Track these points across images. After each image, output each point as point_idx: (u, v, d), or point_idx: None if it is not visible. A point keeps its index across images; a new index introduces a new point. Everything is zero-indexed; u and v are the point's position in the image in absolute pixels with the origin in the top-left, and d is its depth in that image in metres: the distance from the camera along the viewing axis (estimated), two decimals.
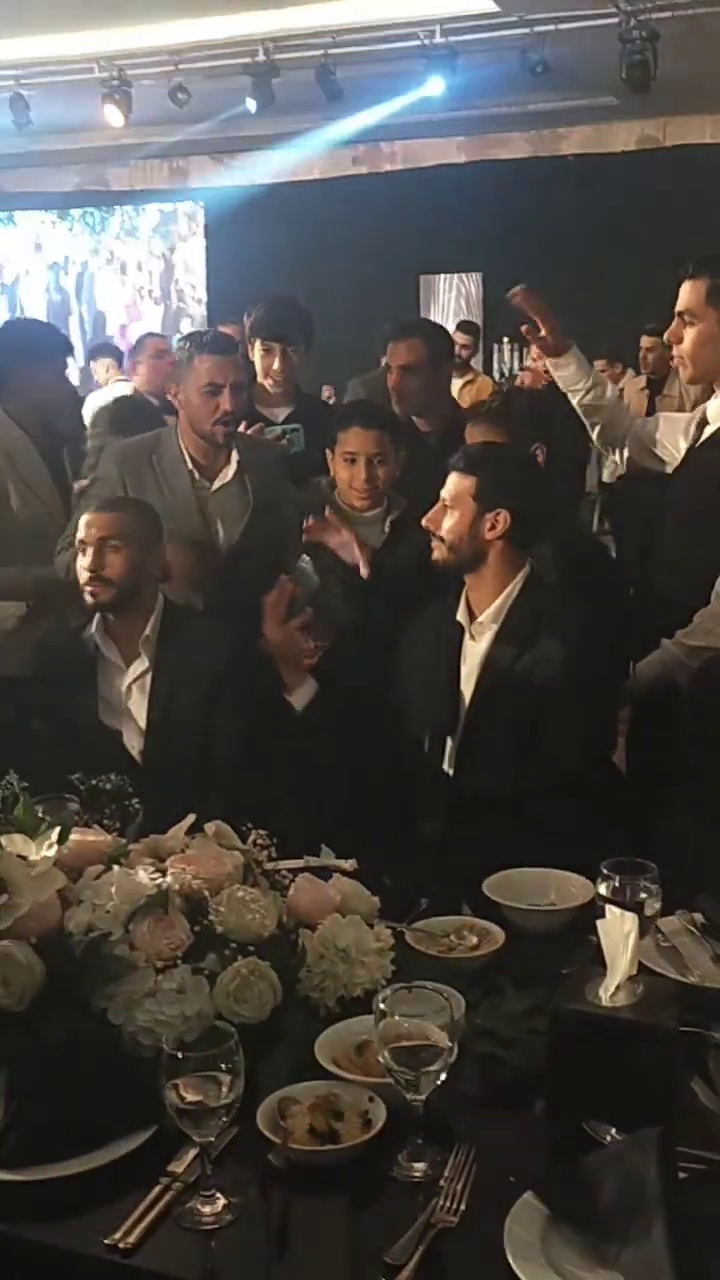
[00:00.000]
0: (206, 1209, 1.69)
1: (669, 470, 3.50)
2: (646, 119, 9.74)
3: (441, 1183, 1.73)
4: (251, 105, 8.21)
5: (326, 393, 7.37)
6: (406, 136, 10.49)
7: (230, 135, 10.23)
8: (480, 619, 3.06)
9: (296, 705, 3.20)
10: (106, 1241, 1.65)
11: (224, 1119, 1.69)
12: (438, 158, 10.60)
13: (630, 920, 1.86)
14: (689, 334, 3.31)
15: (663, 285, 3.49)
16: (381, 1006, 1.78)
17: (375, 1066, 1.86)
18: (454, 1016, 1.79)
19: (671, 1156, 1.60)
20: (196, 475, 3.69)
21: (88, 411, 6.66)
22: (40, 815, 2.17)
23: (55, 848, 2.08)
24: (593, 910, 2.06)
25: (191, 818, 2.31)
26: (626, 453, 3.63)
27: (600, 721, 3.04)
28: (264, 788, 3.08)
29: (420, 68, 7.76)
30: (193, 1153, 1.77)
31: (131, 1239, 1.65)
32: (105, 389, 8.32)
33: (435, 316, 10.25)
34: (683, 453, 3.45)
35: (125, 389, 7.26)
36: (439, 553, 3.09)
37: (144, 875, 2.10)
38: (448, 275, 11.01)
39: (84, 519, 3.27)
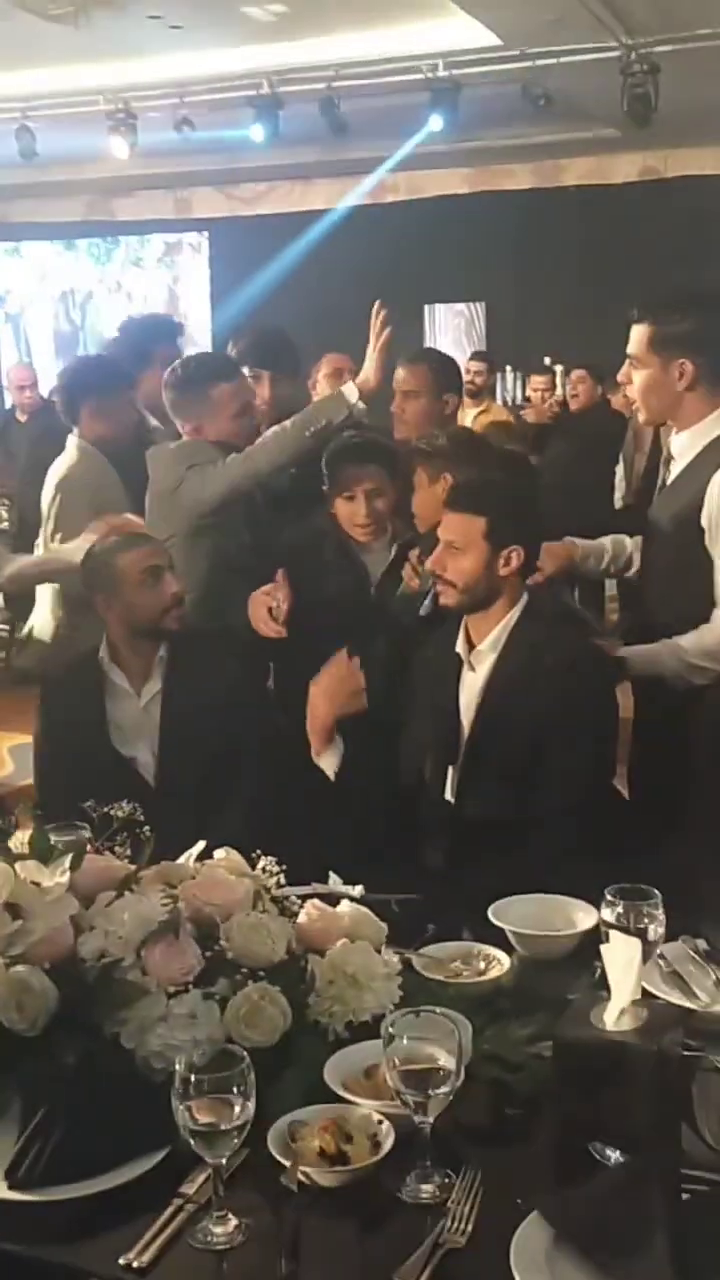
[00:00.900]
0: (219, 1229, 1.72)
1: None
2: (648, 151, 9.81)
3: (449, 1204, 1.75)
4: (257, 136, 8.28)
5: None
6: (410, 168, 10.56)
7: (234, 167, 10.33)
8: (479, 648, 3.07)
9: (328, 770, 3.16)
10: (121, 1261, 1.67)
11: (236, 1140, 1.72)
12: (441, 189, 10.68)
13: (634, 945, 1.89)
14: (637, 378, 3.36)
15: None
16: (390, 1030, 1.82)
17: (384, 1090, 1.89)
18: (461, 1040, 1.81)
19: (675, 1177, 1.63)
20: None
21: None
22: (53, 842, 2.21)
23: (68, 874, 2.12)
24: (597, 936, 2.09)
25: (202, 844, 2.34)
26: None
27: (600, 749, 3.02)
28: (272, 815, 3.12)
29: (423, 100, 7.84)
30: (205, 1175, 1.80)
31: (145, 1259, 1.68)
32: None
33: (440, 346, 10.31)
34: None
35: None
36: (448, 597, 3.06)
37: (155, 901, 2.14)
38: (452, 305, 11.07)
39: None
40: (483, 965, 2.38)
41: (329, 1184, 1.78)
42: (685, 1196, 1.65)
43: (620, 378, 3.50)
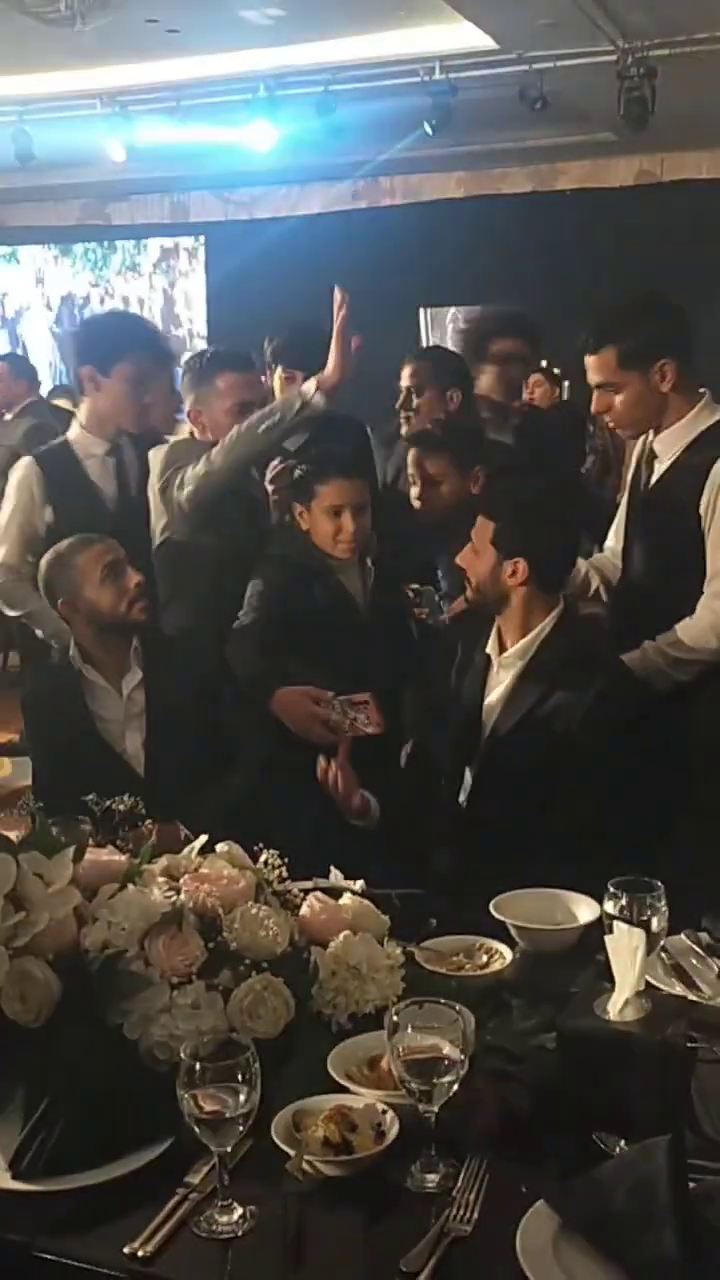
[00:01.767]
0: (223, 1218, 1.72)
1: None
2: (645, 154, 9.82)
3: (454, 1193, 1.75)
4: (254, 139, 8.29)
5: None
6: (406, 171, 10.59)
7: (230, 170, 10.33)
8: (508, 653, 3.07)
9: (369, 828, 3.11)
10: (126, 1251, 1.67)
11: (240, 1129, 1.72)
12: (437, 192, 10.69)
13: (638, 936, 1.90)
14: (618, 401, 3.34)
15: None
16: (395, 1019, 1.82)
17: (387, 1080, 1.90)
18: (465, 1030, 1.82)
19: (682, 1165, 1.63)
20: None
21: None
22: (56, 835, 2.21)
23: (71, 866, 2.12)
24: (598, 930, 2.09)
25: (204, 838, 2.35)
26: None
27: (617, 764, 2.96)
28: (269, 809, 3.12)
29: (420, 104, 7.84)
30: (209, 1164, 1.80)
31: (150, 1248, 1.68)
32: None
33: None
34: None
35: None
36: (466, 593, 3.10)
37: (158, 893, 2.14)
38: (448, 308, 11.08)
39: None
40: (485, 959, 2.38)
41: (334, 1173, 1.78)
42: (692, 1185, 1.64)
43: (596, 411, 3.45)
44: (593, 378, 3.36)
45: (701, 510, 3.22)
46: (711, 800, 3.10)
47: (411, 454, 3.99)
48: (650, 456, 3.44)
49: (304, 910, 2.26)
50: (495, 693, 3.07)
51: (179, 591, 3.85)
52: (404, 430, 4.52)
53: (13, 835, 2.17)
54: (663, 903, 2.11)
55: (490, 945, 2.42)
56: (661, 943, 2.21)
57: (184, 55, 7.85)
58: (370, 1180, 1.79)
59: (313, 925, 2.24)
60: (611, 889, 2.11)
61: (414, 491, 3.93)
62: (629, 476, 3.59)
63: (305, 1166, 1.77)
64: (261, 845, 2.35)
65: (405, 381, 4.64)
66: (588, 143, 9.36)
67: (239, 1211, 1.73)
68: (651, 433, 3.41)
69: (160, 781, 3.16)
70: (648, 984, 1.95)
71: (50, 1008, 1.99)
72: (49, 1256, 1.71)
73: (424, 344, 10.12)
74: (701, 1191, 1.64)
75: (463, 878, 2.92)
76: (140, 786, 2.75)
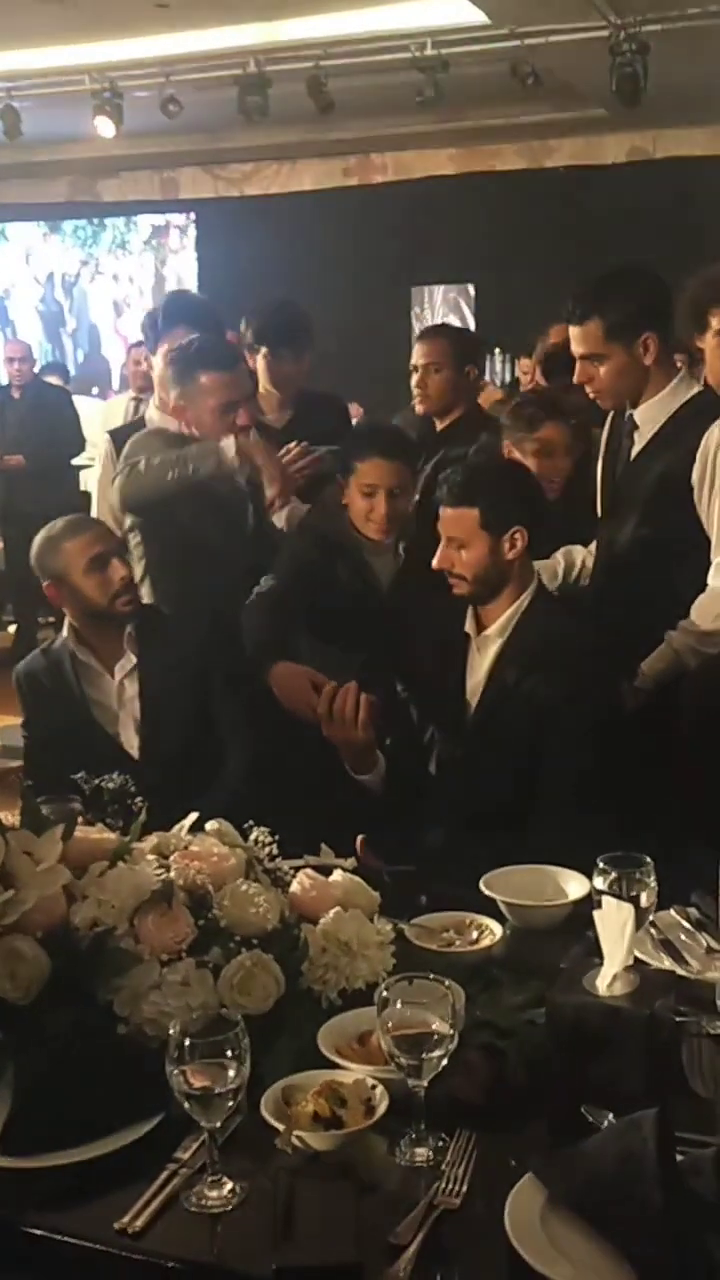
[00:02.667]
0: (213, 1193, 1.72)
1: None
2: (637, 131, 9.78)
3: (443, 1167, 1.76)
4: (244, 115, 8.24)
5: (355, 413, 7.35)
6: (397, 148, 10.54)
7: (221, 147, 10.29)
8: (488, 632, 3.07)
9: (372, 788, 3.09)
10: (116, 1226, 1.68)
11: (230, 1104, 1.73)
12: (429, 169, 10.63)
13: (627, 910, 1.90)
14: (602, 372, 3.35)
15: None
16: (384, 994, 1.82)
17: (377, 1056, 1.90)
18: (455, 1005, 1.82)
19: (669, 1136, 1.63)
20: None
21: None
22: (45, 813, 2.21)
23: (60, 844, 2.12)
24: (588, 906, 2.10)
25: (194, 816, 2.35)
26: None
27: (601, 736, 2.97)
28: (264, 788, 3.12)
29: (411, 79, 7.80)
30: (199, 1140, 1.80)
31: (140, 1223, 1.68)
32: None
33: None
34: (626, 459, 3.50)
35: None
36: (460, 588, 3.06)
37: (148, 870, 2.14)
38: (440, 286, 11.05)
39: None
40: (475, 935, 2.39)
41: (323, 1148, 1.79)
42: (680, 1158, 1.65)
43: (579, 380, 3.44)
44: (576, 348, 3.36)
45: (694, 482, 3.22)
46: (699, 774, 3.10)
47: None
48: (631, 428, 3.44)
49: (294, 887, 2.27)
50: (477, 672, 3.07)
51: (164, 574, 3.84)
52: (418, 409, 4.50)
53: (6, 815, 2.18)
54: (652, 878, 2.11)
55: (480, 921, 2.42)
56: (650, 918, 2.22)
57: (174, 30, 7.80)
58: (359, 1154, 1.79)
59: (303, 902, 2.25)
60: (601, 864, 2.11)
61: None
62: (602, 449, 3.58)
63: (295, 1141, 1.78)
64: (252, 823, 2.35)
65: (419, 360, 4.61)
66: (580, 119, 9.33)
67: (229, 1186, 1.73)
68: (628, 404, 3.41)
69: (154, 765, 3.16)
70: (636, 959, 1.95)
71: (40, 985, 1.99)
72: (39, 1232, 1.71)
73: (415, 323, 10.12)
74: (688, 1164, 1.65)
75: (454, 851, 2.92)
76: (134, 769, 2.75)
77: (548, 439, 3.79)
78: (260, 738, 3.35)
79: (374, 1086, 1.86)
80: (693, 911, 2.38)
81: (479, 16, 7.19)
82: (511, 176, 10.39)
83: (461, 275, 10.96)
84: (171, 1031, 1.74)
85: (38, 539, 3.37)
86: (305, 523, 3.75)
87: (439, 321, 9.16)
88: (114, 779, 2.47)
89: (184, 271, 12.61)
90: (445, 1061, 1.79)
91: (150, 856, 2.22)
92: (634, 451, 3.42)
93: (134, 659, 3.30)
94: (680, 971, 2.20)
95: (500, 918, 2.44)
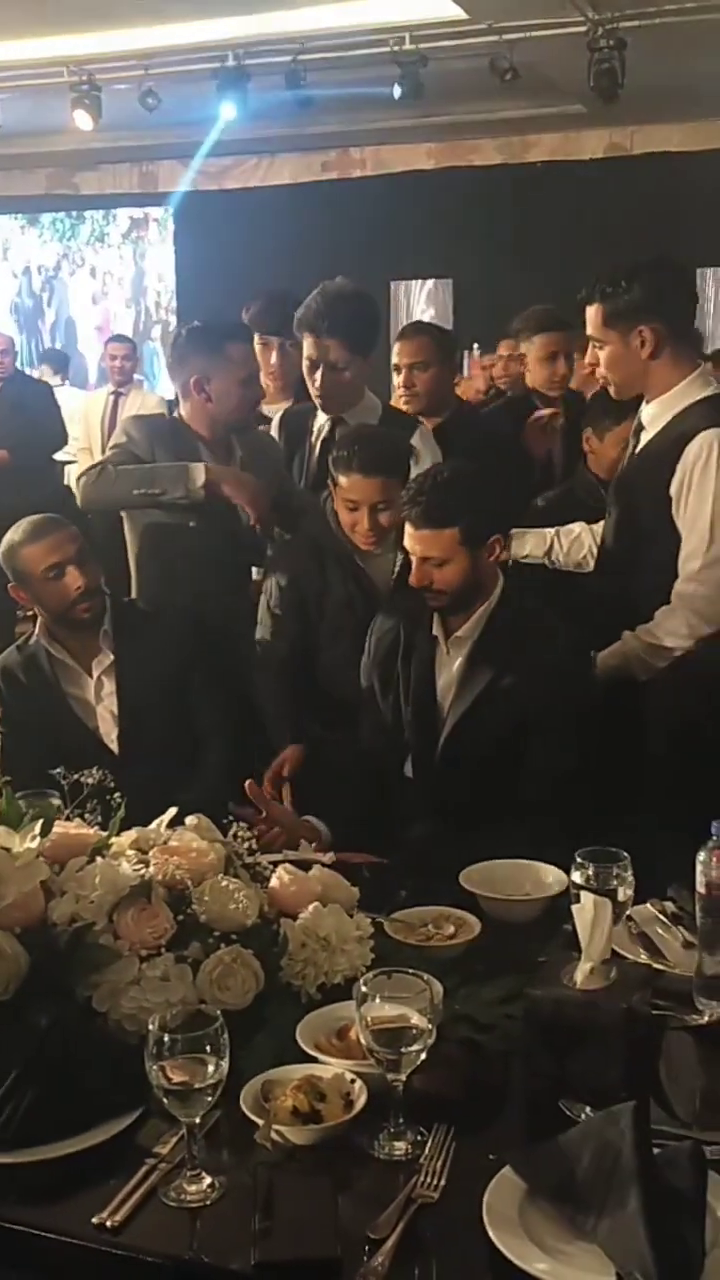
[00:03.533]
0: (192, 1187, 1.73)
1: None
2: (615, 127, 9.79)
3: (421, 1160, 1.77)
4: (223, 109, 8.22)
5: None
6: (376, 143, 10.53)
7: (200, 140, 10.25)
8: (458, 634, 3.06)
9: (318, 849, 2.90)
10: (94, 1221, 1.68)
11: (209, 1099, 1.73)
12: (407, 164, 10.62)
13: (604, 904, 1.91)
14: (602, 356, 3.36)
15: None
16: (363, 989, 1.82)
17: (356, 1050, 1.91)
18: (433, 999, 1.83)
19: (646, 1129, 1.64)
20: None
21: None
22: (23, 809, 2.21)
23: (38, 840, 2.12)
24: (566, 901, 2.11)
25: (173, 810, 2.35)
26: None
27: (575, 731, 2.97)
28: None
29: (389, 74, 7.79)
30: (178, 1135, 1.80)
31: (119, 1218, 1.69)
32: None
33: (406, 322, 10.27)
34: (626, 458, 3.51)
35: None
36: (438, 601, 3.03)
37: (127, 866, 2.14)
38: (418, 281, 11.05)
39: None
40: (453, 929, 2.39)
41: (302, 1142, 1.79)
42: (656, 1151, 1.66)
43: (587, 361, 3.47)
44: (588, 329, 3.38)
45: (672, 493, 3.20)
46: (675, 769, 3.12)
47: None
48: (638, 427, 3.45)
49: (273, 882, 2.27)
50: (446, 674, 3.07)
51: (148, 564, 3.83)
52: (406, 409, 4.42)
53: None
54: (629, 873, 2.13)
55: (459, 916, 2.43)
56: (628, 912, 2.24)
57: (152, 24, 7.78)
58: (338, 1149, 1.80)
59: (282, 897, 2.25)
60: (579, 859, 2.13)
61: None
62: (630, 439, 3.59)
63: (274, 1136, 1.79)
64: (232, 818, 2.35)
65: (403, 359, 4.56)
66: (558, 115, 9.32)
67: (207, 1181, 1.74)
68: (644, 398, 3.41)
69: (133, 760, 3.16)
70: (614, 953, 1.96)
71: (18, 981, 1.99)
72: (17, 1227, 1.71)
73: (394, 319, 10.09)
74: (665, 1156, 1.66)
75: (435, 845, 2.92)
76: (114, 764, 2.74)
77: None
78: (240, 733, 3.35)
79: (353, 1081, 1.87)
80: (669, 905, 2.39)
81: (458, 12, 7.18)
82: (490, 171, 10.39)
83: (441, 269, 10.96)
84: (150, 1027, 1.74)
85: (4, 539, 3.35)
86: (301, 530, 3.74)
87: (421, 321, 9.12)
88: (93, 774, 2.45)
89: (162, 263, 12.57)
90: (424, 1056, 1.79)
91: (129, 852, 2.22)
92: (637, 450, 3.43)
93: (111, 656, 3.29)
94: (657, 965, 2.22)
95: (479, 912, 2.45)
